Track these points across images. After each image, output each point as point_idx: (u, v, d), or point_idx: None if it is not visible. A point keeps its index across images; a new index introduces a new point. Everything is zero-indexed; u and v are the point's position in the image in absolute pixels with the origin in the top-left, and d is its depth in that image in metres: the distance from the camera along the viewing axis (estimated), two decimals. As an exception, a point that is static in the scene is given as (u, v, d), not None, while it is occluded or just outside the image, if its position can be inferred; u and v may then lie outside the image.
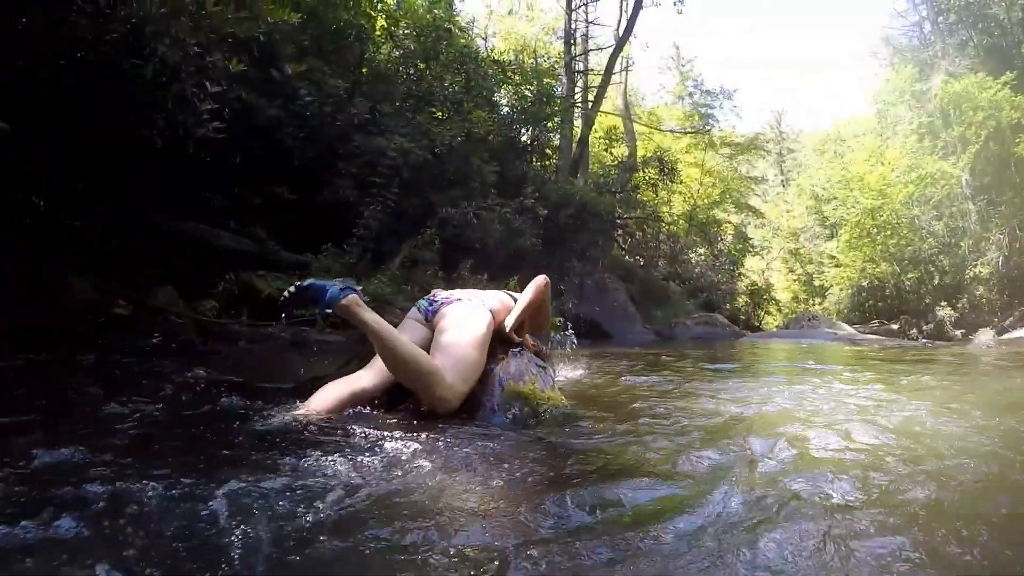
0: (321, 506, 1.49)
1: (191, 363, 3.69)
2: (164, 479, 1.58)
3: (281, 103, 7.63)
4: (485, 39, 20.22)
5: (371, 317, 2.46)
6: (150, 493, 1.47)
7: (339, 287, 2.43)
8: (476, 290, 3.20)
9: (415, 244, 10.10)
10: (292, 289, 2.41)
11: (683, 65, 30.26)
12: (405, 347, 2.50)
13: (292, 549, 1.27)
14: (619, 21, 20.44)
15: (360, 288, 2.54)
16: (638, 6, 18.00)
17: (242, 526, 1.35)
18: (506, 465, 1.96)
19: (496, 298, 3.12)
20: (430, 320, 2.85)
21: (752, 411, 3.09)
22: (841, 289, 25.71)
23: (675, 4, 19.62)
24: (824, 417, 2.93)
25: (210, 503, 1.46)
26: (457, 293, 3.04)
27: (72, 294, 4.18)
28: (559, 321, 10.96)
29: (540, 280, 3.15)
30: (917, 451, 2.25)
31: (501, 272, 10.32)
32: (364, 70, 11.11)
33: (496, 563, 1.23)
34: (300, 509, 1.47)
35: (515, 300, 3.19)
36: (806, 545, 1.36)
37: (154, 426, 2.21)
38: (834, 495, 1.71)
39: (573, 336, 5.13)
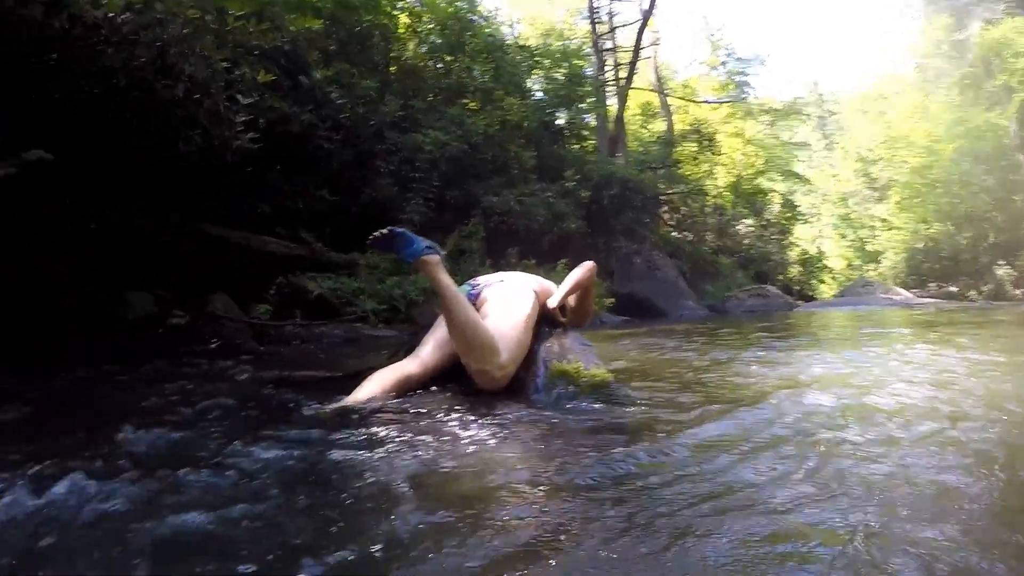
0: (370, 478, 1.57)
1: (248, 364, 3.87)
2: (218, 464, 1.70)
3: (313, 108, 7.78)
4: (511, 26, 20.18)
5: (446, 279, 2.53)
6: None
7: (425, 244, 2.54)
8: (518, 272, 3.22)
9: (460, 235, 10.20)
10: (385, 231, 2.51)
11: (713, 34, 29.56)
12: (470, 313, 2.56)
13: (335, 518, 1.34)
14: (643, -6, 20.11)
15: (442, 252, 2.64)
16: (660, -23, 17.71)
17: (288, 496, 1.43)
18: (550, 440, 2.00)
19: (537, 280, 3.14)
20: (475, 304, 2.86)
21: (804, 377, 3.05)
22: (896, 253, 24.86)
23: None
24: (875, 380, 2.87)
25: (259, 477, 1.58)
26: (498, 276, 3.07)
27: (131, 310, 4.40)
28: (609, 302, 10.98)
29: (588, 263, 3.15)
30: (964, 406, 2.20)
31: (548, 257, 10.36)
32: (393, 68, 11.24)
33: (530, 536, 1.25)
34: (351, 481, 1.56)
35: (555, 287, 3.20)
36: (850, 522, 1.28)
37: (213, 421, 2.31)
38: (888, 465, 1.64)
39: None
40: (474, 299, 2.89)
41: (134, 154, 4.48)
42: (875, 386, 2.77)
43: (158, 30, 4.06)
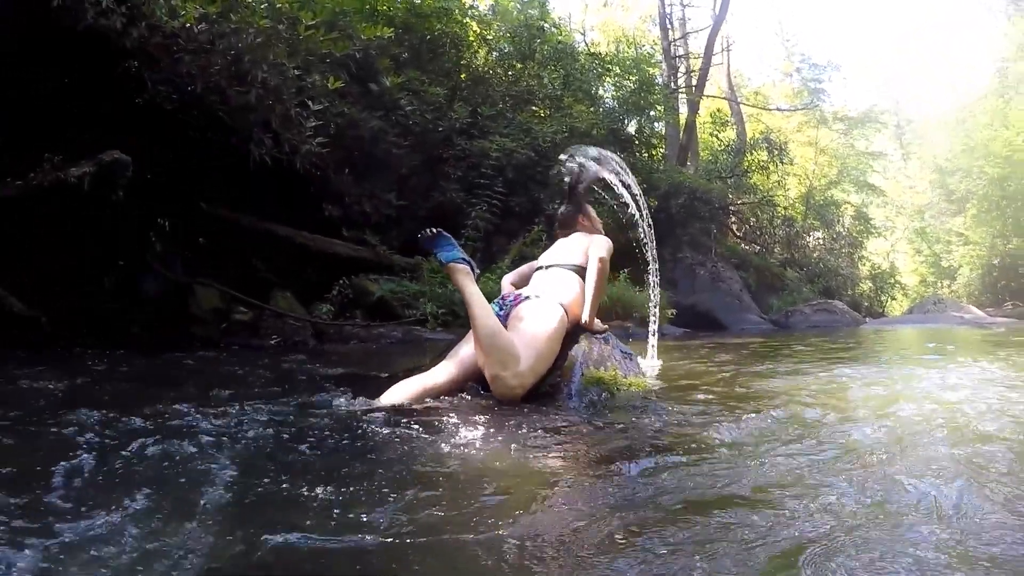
0: (390, 479, 1.62)
1: (305, 359, 4.03)
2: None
3: (383, 114, 8.00)
4: (583, 34, 20.19)
5: (471, 287, 2.67)
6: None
7: (461, 255, 2.73)
8: (549, 281, 3.21)
9: (524, 241, 10.26)
10: (434, 230, 2.72)
11: (787, 40, 28.81)
12: (492, 320, 2.65)
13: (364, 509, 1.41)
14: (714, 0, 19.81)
15: (477, 269, 2.80)
16: (731, -18, 17.41)
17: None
18: (571, 444, 2.04)
19: (569, 290, 3.09)
20: (504, 325, 2.86)
21: (856, 397, 2.95)
22: (971, 269, 23.56)
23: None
24: (934, 400, 2.76)
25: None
26: (527, 290, 3.09)
27: (198, 303, 4.64)
28: (671, 313, 10.83)
29: (595, 262, 3.09)
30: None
31: (612, 266, 10.27)
32: (463, 75, 11.41)
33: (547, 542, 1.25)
34: (359, 474, 1.63)
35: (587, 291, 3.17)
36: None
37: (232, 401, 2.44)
38: (941, 496, 1.50)
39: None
40: (505, 318, 2.91)
41: (208, 156, 4.72)
42: (907, 401, 2.69)
43: (232, 39, 4.29)
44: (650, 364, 4.19)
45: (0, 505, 1.31)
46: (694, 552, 1.16)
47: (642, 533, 1.26)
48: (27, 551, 1.08)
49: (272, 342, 4.86)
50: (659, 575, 1.08)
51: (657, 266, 4.43)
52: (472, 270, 2.73)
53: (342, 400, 2.58)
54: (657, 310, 4.56)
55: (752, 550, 1.17)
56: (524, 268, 3.49)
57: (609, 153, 3.89)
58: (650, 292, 4.55)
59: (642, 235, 4.38)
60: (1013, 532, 1.29)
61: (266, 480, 1.54)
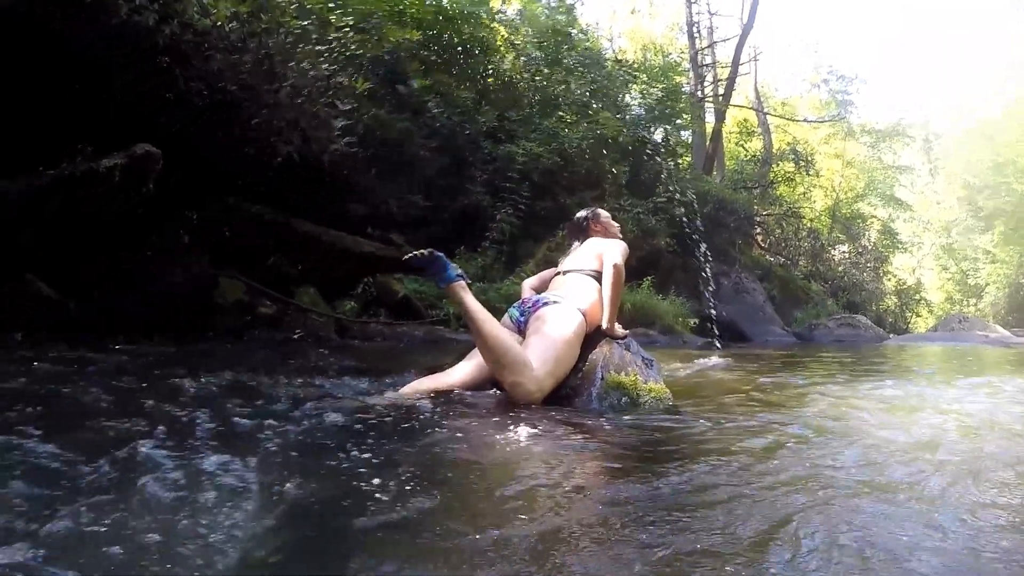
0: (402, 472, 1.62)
1: (324, 354, 4.09)
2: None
3: (410, 116, 8.07)
4: (611, 40, 20.16)
5: (471, 301, 2.69)
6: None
7: (456, 272, 2.74)
8: (568, 286, 3.19)
9: (549, 246, 10.28)
10: (425, 252, 2.72)
11: (815, 51, 28.51)
12: (497, 331, 2.68)
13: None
14: (743, 8, 19.71)
15: (470, 280, 2.84)
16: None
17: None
18: (593, 444, 2.05)
19: (587, 295, 3.10)
20: (522, 330, 2.95)
21: (870, 411, 2.90)
22: (998, 288, 23.08)
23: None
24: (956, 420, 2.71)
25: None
26: (546, 296, 3.10)
27: (223, 294, 4.72)
28: (693, 323, 10.77)
29: (611, 273, 3.06)
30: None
31: (635, 274, 10.28)
32: (490, 80, 11.46)
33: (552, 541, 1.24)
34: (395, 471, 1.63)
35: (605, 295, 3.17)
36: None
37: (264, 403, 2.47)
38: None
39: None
40: (524, 324, 2.96)
41: (236, 152, 4.80)
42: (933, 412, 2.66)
43: (263, 38, 4.36)
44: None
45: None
46: (714, 553, 1.17)
47: (663, 533, 1.27)
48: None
49: (295, 336, 4.94)
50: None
51: (712, 286, 4.59)
52: (465, 279, 2.77)
53: (361, 391, 2.61)
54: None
55: (778, 551, 1.18)
56: (544, 273, 3.55)
57: None
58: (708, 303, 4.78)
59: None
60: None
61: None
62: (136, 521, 1.15)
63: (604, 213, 3.65)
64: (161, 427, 1.77)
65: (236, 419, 1.98)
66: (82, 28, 3.88)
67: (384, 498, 1.39)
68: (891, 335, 16.55)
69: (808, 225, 20.09)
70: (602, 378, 2.81)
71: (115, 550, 1.03)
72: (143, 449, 1.55)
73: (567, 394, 2.76)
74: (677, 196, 12.35)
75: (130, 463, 1.47)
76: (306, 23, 4.63)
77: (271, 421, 1.97)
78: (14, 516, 1.14)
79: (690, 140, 17.38)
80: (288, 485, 1.41)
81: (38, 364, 2.83)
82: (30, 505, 1.20)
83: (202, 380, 2.66)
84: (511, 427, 2.18)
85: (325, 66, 5.13)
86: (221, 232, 4.97)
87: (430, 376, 2.83)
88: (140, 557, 1.02)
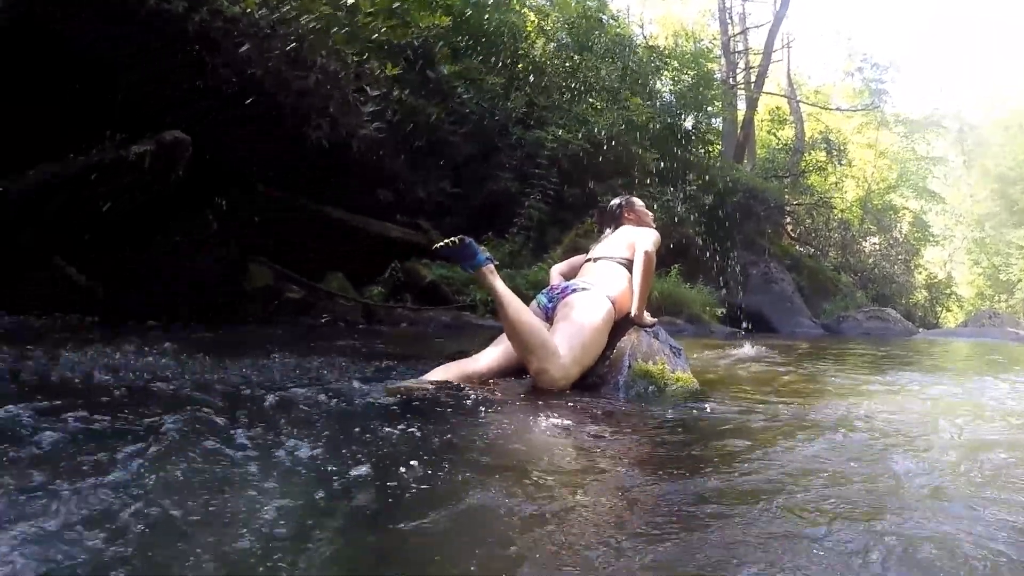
0: (428, 460, 1.59)
1: (352, 338, 4.12)
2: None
3: (439, 102, 8.06)
4: (641, 26, 19.87)
5: (500, 285, 2.67)
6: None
7: (485, 256, 2.72)
8: (597, 273, 3.15)
9: (577, 232, 10.23)
10: (455, 240, 2.67)
11: (849, 38, 27.84)
12: (525, 315, 2.65)
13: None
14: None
15: (497, 262, 2.83)
16: (794, -23, 16.92)
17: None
18: (619, 432, 2.03)
19: (617, 283, 3.08)
20: (550, 316, 2.93)
21: (894, 404, 2.84)
22: None
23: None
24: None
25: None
26: (576, 282, 3.08)
27: (251, 280, 4.77)
28: (720, 312, 10.67)
29: (643, 257, 3.05)
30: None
31: (663, 261, 10.19)
32: (520, 66, 11.39)
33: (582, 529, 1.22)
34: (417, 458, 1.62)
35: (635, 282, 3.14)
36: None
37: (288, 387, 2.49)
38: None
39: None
40: (552, 311, 2.94)
41: (265, 139, 4.84)
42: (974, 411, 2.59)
43: (292, 25, 4.37)
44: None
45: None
46: (739, 543, 1.15)
47: (686, 520, 1.25)
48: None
49: (323, 321, 4.99)
50: (703, 564, 1.07)
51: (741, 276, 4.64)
52: (493, 262, 2.76)
53: (391, 376, 2.62)
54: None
55: (806, 543, 1.15)
56: (574, 259, 3.50)
57: None
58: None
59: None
60: None
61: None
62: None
63: (638, 201, 3.61)
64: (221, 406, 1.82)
65: (270, 402, 2.03)
66: (112, 15, 3.92)
67: (418, 474, 1.41)
68: (920, 329, 16.23)
69: (839, 216, 19.74)
70: (629, 366, 2.79)
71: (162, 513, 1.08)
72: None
73: (594, 382, 2.74)
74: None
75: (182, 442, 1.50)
76: (335, 9, 4.62)
77: (301, 405, 2.00)
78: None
79: (721, 128, 17.11)
80: (331, 465, 1.43)
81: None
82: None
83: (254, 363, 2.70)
84: (536, 414, 2.16)
85: (354, 52, 5.13)
86: (250, 218, 5.01)
87: (457, 362, 2.81)
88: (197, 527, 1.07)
